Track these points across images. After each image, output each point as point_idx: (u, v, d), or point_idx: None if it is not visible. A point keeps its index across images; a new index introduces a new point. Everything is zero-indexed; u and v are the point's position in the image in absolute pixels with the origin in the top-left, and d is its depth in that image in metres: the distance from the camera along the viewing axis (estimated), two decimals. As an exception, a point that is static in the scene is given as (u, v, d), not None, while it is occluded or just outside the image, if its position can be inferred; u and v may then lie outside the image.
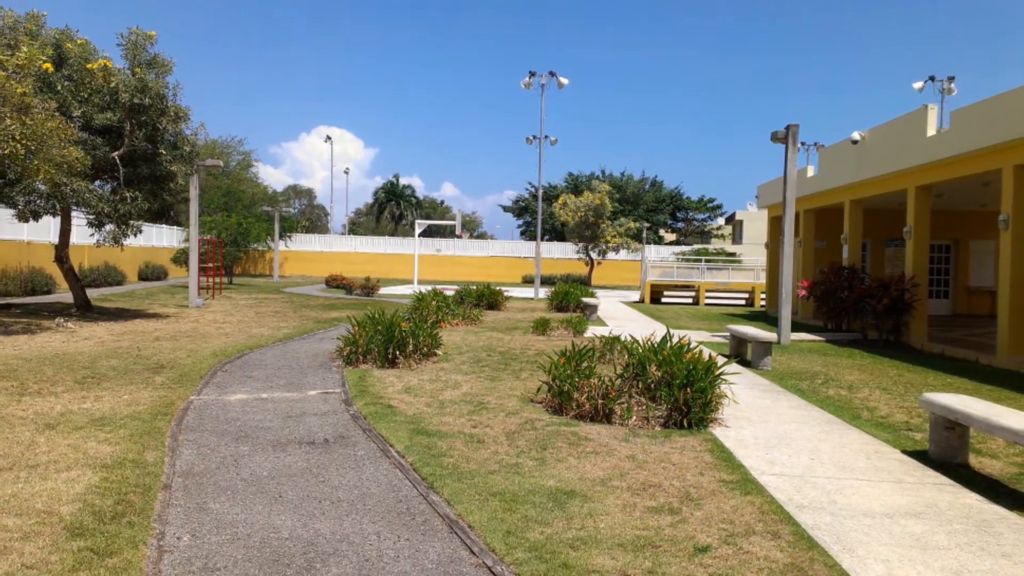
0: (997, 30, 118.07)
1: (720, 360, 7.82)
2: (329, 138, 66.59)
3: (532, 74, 27.00)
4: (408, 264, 42.04)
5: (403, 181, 69.68)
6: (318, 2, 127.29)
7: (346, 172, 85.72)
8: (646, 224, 42.38)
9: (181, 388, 8.02)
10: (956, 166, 13.68)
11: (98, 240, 16.29)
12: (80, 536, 3.87)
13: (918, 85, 27.02)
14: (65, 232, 16.36)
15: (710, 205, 60.10)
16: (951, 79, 26.83)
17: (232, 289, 28.67)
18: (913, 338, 14.91)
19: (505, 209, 64.43)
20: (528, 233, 58.93)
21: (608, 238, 36.41)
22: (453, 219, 39.97)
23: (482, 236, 68.08)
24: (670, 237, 60.00)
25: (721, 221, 59.85)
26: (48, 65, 12.40)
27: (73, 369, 8.94)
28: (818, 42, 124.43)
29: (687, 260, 33.93)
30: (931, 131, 14.35)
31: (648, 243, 44.73)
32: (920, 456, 6.07)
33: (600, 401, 6.93)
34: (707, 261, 32.21)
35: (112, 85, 14.09)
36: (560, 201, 37.42)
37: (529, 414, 7.09)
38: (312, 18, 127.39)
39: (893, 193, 16.42)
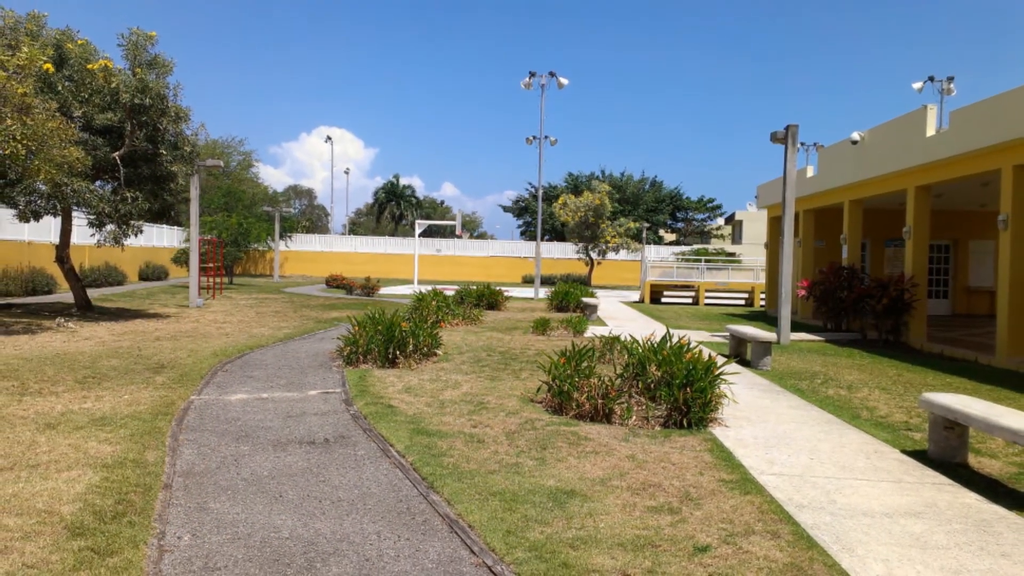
0: (996, 30, 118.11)
1: (720, 360, 7.83)
2: (329, 138, 66.66)
3: (532, 74, 27.02)
4: (408, 264, 42.05)
5: (403, 181, 69.77)
6: (318, 2, 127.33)
7: (346, 172, 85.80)
8: (646, 224, 42.40)
9: (182, 388, 8.03)
10: (955, 166, 13.69)
11: (99, 240, 16.31)
12: (81, 536, 3.88)
13: (917, 85, 27.04)
14: (66, 232, 16.37)
15: (710, 205, 60.12)
16: (950, 79, 26.84)
17: (232, 289, 28.68)
18: (912, 338, 14.92)
19: (505, 209, 64.51)
20: (528, 233, 58.94)
21: (608, 238, 36.42)
22: (453, 219, 39.98)
23: (482, 236, 68.09)
24: (670, 237, 60.02)
25: (721, 221, 59.85)
26: (49, 65, 12.41)
27: (74, 369, 8.95)
28: (818, 42, 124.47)
29: (687, 260, 33.93)
30: (930, 131, 14.36)
31: (648, 243, 44.74)
32: (919, 456, 6.08)
33: (600, 401, 6.94)
34: (707, 261, 32.22)
35: (113, 85, 14.10)
36: (560, 201, 37.43)
37: (529, 414, 7.10)
38: (312, 18, 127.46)
39: (892, 193, 16.43)
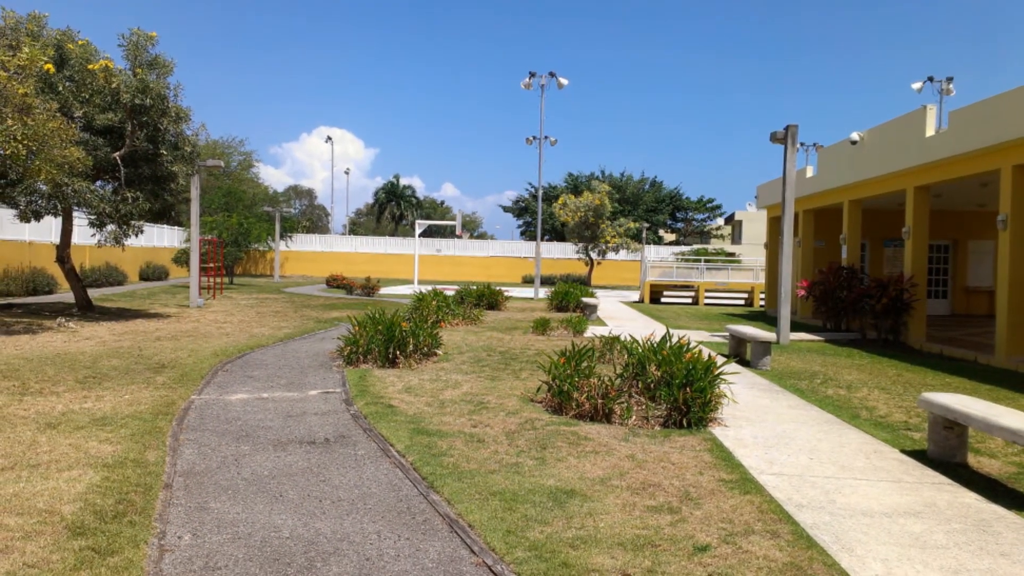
0: (995, 30, 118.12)
1: (719, 360, 7.83)
2: (330, 138, 66.71)
3: (532, 75, 27.02)
4: (408, 264, 42.06)
5: (403, 181, 69.73)
6: (318, 2, 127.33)
7: (347, 172, 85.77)
8: (646, 224, 42.41)
9: (182, 388, 8.04)
10: (955, 166, 13.70)
11: (99, 240, 16.33)
12: (81, 535, 3.88)
13: (917, 86, 27.04)
14: (66, 232, 16.38)
15: (709, 205, 60.12)
16: (949, 80, 26.85)
17: (233, 289, 28.68)
18: (912, 338, 14.93)
19: (505, 209, 64.45)
20: (528, 233, 58.94)
21: (608, 238, 36.42)
22: (453, 219, 39.99)
23: (482, 236, 68.11)
24: (670, 237, 60.02)
25: (720, 221, 59.86)
26: (50, 66, 12.41)
27: (74, 369, 8.96)
28: (817, 43, 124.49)
29: (686, 260, 33.94)
30: (930, 131, 14.37)
31: (648, 243, 44.74)
32: (919, 456, 6.08)
33: (600, 401, 6.94)
34: (706, 261, 32.22)
35: (113, 86, 14.10)
36: (560, 201, 37.43)
37: (529, 414, 7.11)
38: (312, 18, 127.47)
39: (892, 193, 16.44)
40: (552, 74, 27.07)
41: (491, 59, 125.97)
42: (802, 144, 34.07)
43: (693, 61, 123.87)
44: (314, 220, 69.44)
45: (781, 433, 6.75)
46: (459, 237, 46.06)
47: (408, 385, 8.50)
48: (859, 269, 17.63)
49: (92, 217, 15.49)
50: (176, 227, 36.91)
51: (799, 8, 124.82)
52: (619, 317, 20.19)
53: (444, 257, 47.48)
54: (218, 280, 25.59)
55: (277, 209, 41.89)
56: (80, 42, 14.64)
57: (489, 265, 46.95)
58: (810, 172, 21.02)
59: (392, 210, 68.97)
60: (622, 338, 9.97)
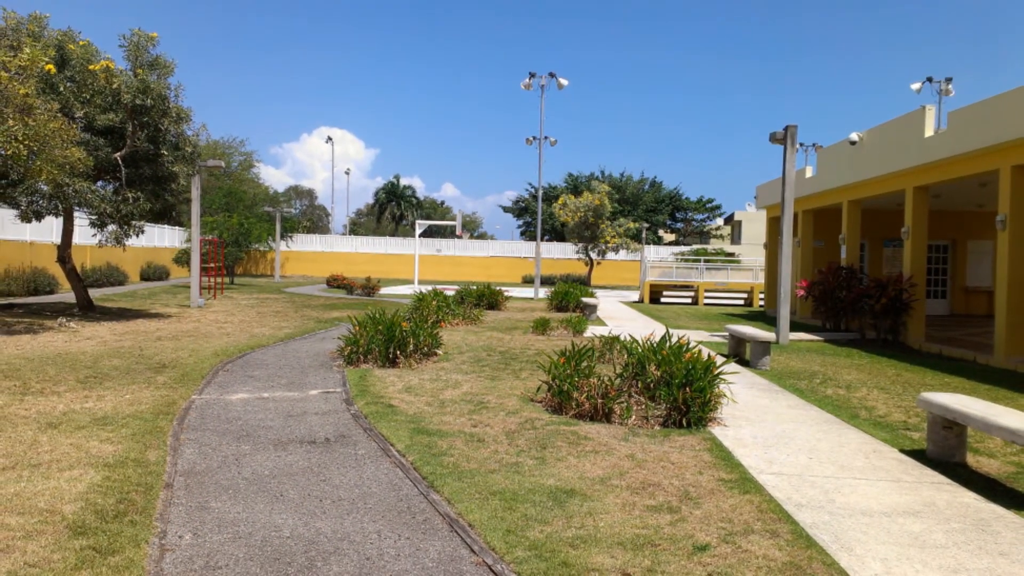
0: (996, 31, 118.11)
1: (719, 360, 7.84)
2: (330, 139, 66.69)
3: (532, 75, 27.04)
4: (409, 264, 42.08)
5: (404, 182, 69.72)
6: (319, 4, 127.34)
7: (347, 173, 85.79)
8: (645, 224, 42.39)
9: (183, 387, 8.05)
10: (954, 167, 13.71)
11: (100, 240, 16.34)
12: (82, 535, 3.89)
13: (916, 86, 27.05)
14: (67, 232, 16.40)
15: (709, 205, 60.10)
16: (948, 80, 26.85)
17: (233, 289, 28.69)
18: (911, 338, 14.94)
19: (505, 209, 64.42)
20: (528, 233, 58.93)
21: (607, 238, 36.42)
22: (453, 219, 39.99)
23: (482, 236, 68.13)
24: (669, 237, 60.01)
25: (720, 221, 59.85)
26: (51, 66, 12.42)
27: (75, 369, 8.97)
28: (817, 43, 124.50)
29: (686, 260, 33.95)
30: (929, 132, 14.38)
31: (647, 243, 44.75)
32: (918, 455, 6.09)
33: (600, 400, 6.95)
34: (706, 261, 32.23)
35: (114, 86, 14.12)
36: (560, 202, 37.43)
37: (529, 413, 7.12)
38: (312, 19, 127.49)
39: (891, 194, 16.45)
40: (552, 75, 27.08)
41: (491, 60, 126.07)
42: (801, 144, 34.10)
43: (694, 62, 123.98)
44: (314, 220, 69.49)
45: (780, 433, 6.76)
46: (459, 237, 46.06)
47: (408, 385, 8.51)
48: (858, 269, 17.64)
49: (93, 217, 15.51)
50: (177, 227, 36.93)
51: (800, 9, 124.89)
52: (619, 317, 20.20)
53: (444, 257, 47.49)
54: (219, 280, 25.60)
55: (278, 209, 41.91)
56: (81, 43, 14.65)
57: (489, 265, 46.96)
58: (809, 172, 21.03)
59: (392, 210, 68.98)
60: (622, 338, 9.98)
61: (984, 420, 5.38)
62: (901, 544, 4.16)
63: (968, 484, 5.36)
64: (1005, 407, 5.90)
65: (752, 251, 41.11)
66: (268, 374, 9.23)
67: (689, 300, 28.65)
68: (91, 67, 14.09)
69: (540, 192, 29.65)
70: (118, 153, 14.70)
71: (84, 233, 20.07)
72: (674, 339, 8.37)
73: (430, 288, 19.20)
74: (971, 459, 6.03)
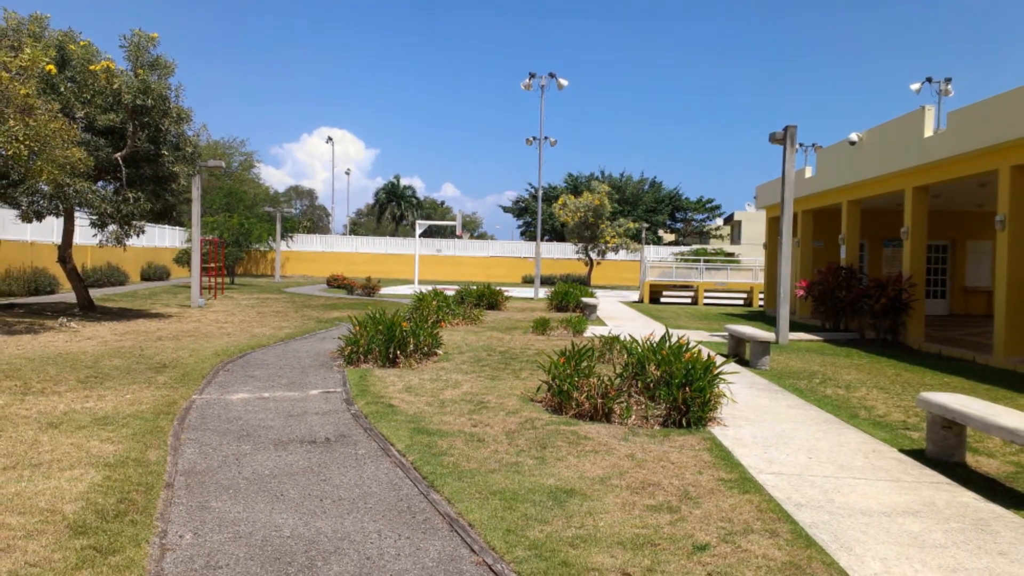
0: (996, 32, 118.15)
1: (719, 359, 7.85)
2: (330, 139, 66.74)
3: (532, 75, 27.04)
4: (409, 264, 42.09)
5: (404, 182, 69.73)
6: (319, 4, 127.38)
7: (347, 173, 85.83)
8: (645, 224, 42.38)
9: (183, 387, 8.06)
10: (953, 167, 13.71)
11: (101, 240, 16.36)
12: (83, 534, 3.90)
13: (915, 86, 27.06)
14: (68, 232, 16.41)
15: (709, 206, 60.12)
16: (948, 81, 26.87)
17: (234, 289, 28.70)
18: (910, 338, 14.95)
19: (505, 210, 64.42)
20: (528, 234, 58.94)
21: (607, 238, 36.43)
22: (453, 220, 40.01)
23: (482, 236, 68.14)
24: (669, 237, 60.01)
25: (720, 222, 59.86)
26: (51, 67, 12.43)
27: (76, 368, 8.98)
28: (817, 44, 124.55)
29: (686, 260, 33.96)
30: (928, 132, 14.39)
31: (647, 243, 44.75)
32: (917, 455, 6.10)
33: (599, 400, 6.96)
34: (706, 261, 32.25)
35: (115, 87, 14.13)
36: (560, 202, 37.44)
37: (529, 413, 7.13)
38: (313, 19, 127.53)
39: (890, 194, 16.45)
40: (552, 75, 27.09)
41: (492, 60, 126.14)
42: (801, 145, 34.11)
43: (694, 62, 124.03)
44: (315, 220, 69.50)
45: (780, 432, 6.77)
46: (459, 237, 46.08)
47: (408, 385, 8.52)
48: (858, 269, 17.65)
49: (94, 217, 15.52)
50: (177, 227, 36.94)
51: (800, 9, 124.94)
52: (619, 317, 20.21)
53: (444, 257, 47.50)
54: (219, 280, 25.61)
55: (278, 209, 41.94)
56: (82, 43, 14.67)
57: (489, 265, 46.97)
58: (809, 172, 21.04)
59: (392, 210, 68.99)
60: (622, 338, 9.99)
61: (983, 420, 5.39)
62: (900, 544, 4.17)
63: (967, 484, 5.36)
64: (1004, 407, 5.91)
65: (752, 251, 41.12)
66: (268, 374, 9.24)
67: (689, 300, 28.67)
68: (92, 67, 14.10)
69: (540, 192, 29.66)
70: (119, 153, 14.71)
71: (85, 233, 20.08)
72: (674, 339, 8.37)
73: (430, 288, 19.21)
74: (970, 459, 6.03)
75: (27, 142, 11.04)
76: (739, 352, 12.06)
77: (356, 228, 72.01)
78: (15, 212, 15.26)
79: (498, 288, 22.16)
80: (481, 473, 5.20)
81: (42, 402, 7.04)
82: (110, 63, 14.27)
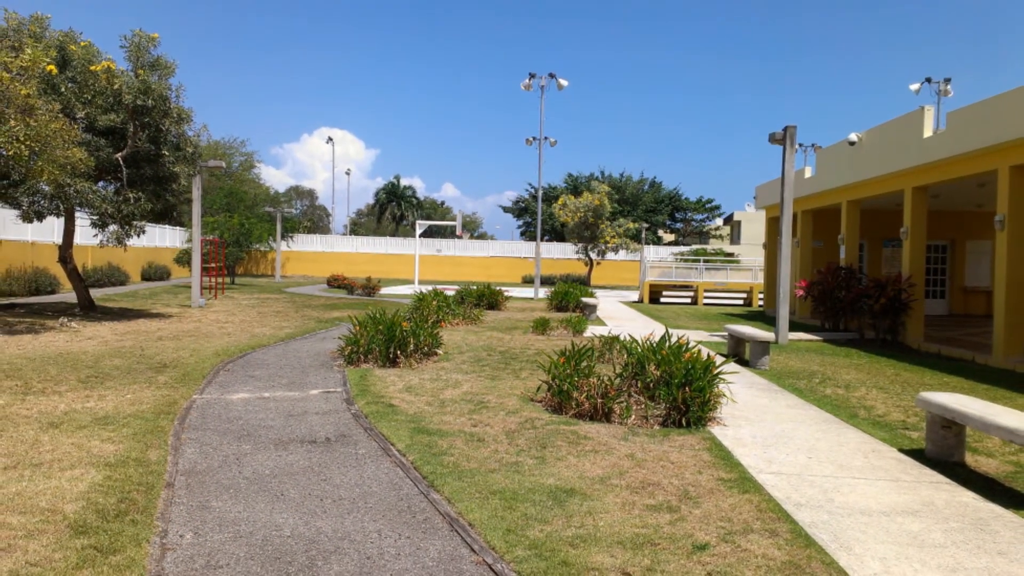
0: (996, 32, 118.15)
1: (718, 359, 7.86)
2: (330, 139, 66.80)
3: (532, 76, 27.04)
4: (409, 264, 42.10)
5: (404, 182, 69.74)
6: (319, 4, 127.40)
7: (347, 173, 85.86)
8: (645, 225, 42.39)
9: (184, 387, 8.07)
10: (952, 167, 13.72)
11: (101, 240, 16.36)
12: (84, 534, 3.90)
13: (915, 87, 27.05)
14: (69, 233, 16.42)
15: (708, 206, 60.13)
16: (947, 81, 26.86)
17: (234, 289, 28.71)
18: (910, 338, 14.96)
19: (505, 210, 64.42)
20: (528, 234, 58.95)
21: (607, 238, 36.43)
22: (454, 220, 40.01)
23: (482, 237, 68.14)
24: (669, 237, 60.02)
25: (719, 222, 59.88)
26: (52, 67, 12.45)
27: (77, 368, 8.99)
28: (816, 44, 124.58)
29: (686, 260, 33.96)
30: (927, 132, 14.39)
31: (647, 243, 44.76)
32: (917, 455, 6.11)
33: (599, 400, 6.97)
34: (705, 261, 32.26)
35: (115, 87, 14.14)
36: (560, 202, 37.45)
37: (529, 413, 7.13)
38: (313, 19, 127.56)
39: (890, 194, 16.46)
40: (552, 75, 27.09)
41: (492, 60, 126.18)
42: (801, 145, 34.11)
43: (694, 62, 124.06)
44: (315, 220, 69.52)
45: (780, 432, 6.78)
46: (459, 237, 46.08)
47: (409, 384, 8.52)
48: (857, 269, 17.66)
49: (94, 217, 15.53)
50: (178, 227, 36.95)
51: (800, 9, 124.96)
52: (618, 317, 20.22)
53: (444, 257, 47.51)
54: (220, 280, 25.62)
55: (278, 209, 41.97)
56: (82, 43, 14.68)
57: (489, 265, 46.98)
58: (808, 173, 21.05)
59: (393, 210, 69.00)
60: (621, 338, 9.99)
61: (983, 420, 5.40)
62: (900, 543, 4.17)
63: (967, 483, 5.37)
64: (1003, 407, 5.92)
65: (751, 251, 41.15)
66: (269, 374, 9.24)
67: (688, 300, 28.67)
68: (92, 68, 14.11)
69: (540, 192, 29.66)
70: (119, 153, 14.72)
71: (85, 233, 20.09)
72: (673, 339, 8.38)
73: (430, 288, 19.22)
74: (970, 458, 6.04)
75: (28, 142, 11.05)
76: (739, 352, 12.07)
77: (356, 228, 72.04)
78: (16, 212, 15.27)
79: (498, 288, 22.17)
80: (481, 473, 5.21)
81: (43, 402, 7.05)
82: (111, 63, 14.28)
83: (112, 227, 15.86)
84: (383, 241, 50.09)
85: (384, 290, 29.62)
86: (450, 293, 19.64)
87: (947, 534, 4.34)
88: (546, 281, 37.95)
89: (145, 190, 15.33)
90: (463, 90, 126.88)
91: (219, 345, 11.61)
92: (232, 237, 32.94)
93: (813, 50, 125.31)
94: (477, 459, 5.55)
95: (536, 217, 32.84)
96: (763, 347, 10.97)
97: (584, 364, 7.65)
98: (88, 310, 16.31)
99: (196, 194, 19.14)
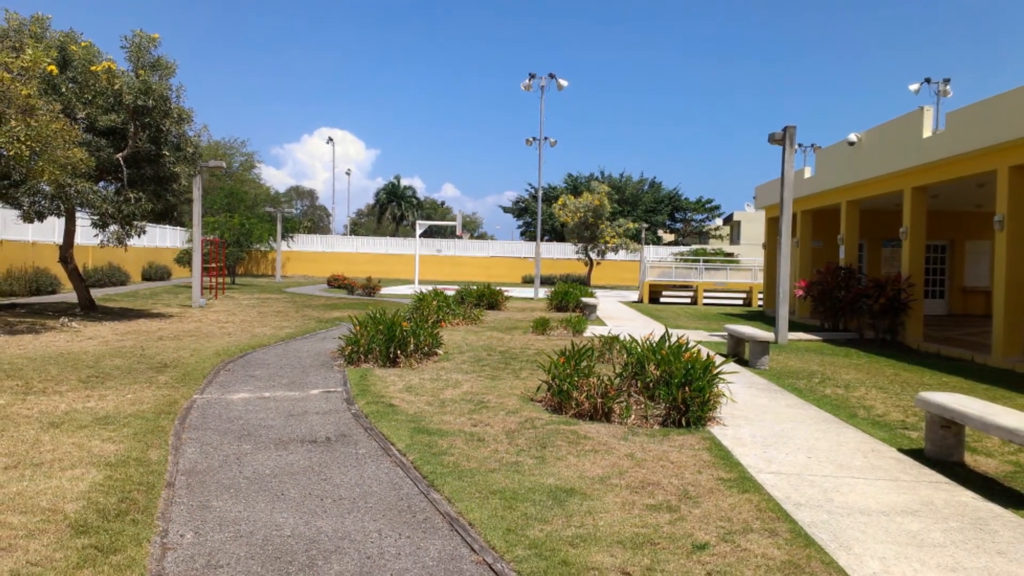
0: (996, 32, 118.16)
1: (718, 359, 7.86)
2: (331, 139, 66.87)
3: (532, 76, 27.05)
4: (409, 264, 42.11)
5: (404, 182, 69.76)
6: (319, 4, 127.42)
7: (348, 173, 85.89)
8: (645, 225, 42.40)
9: (184, 387, 8.08)
10: (952, 167, 13.73)
11: (102, 241, 16.37)
12: (84, 533, 3.91)
13: (914, 87, 27.06)
14: (69, 233, 16.43)
15: (708, 206, 60.14)
16: (946, 81, 26.87)
17: (235, 289, 28.71)
18: (909, 338, 14.96)
19: (505, 210, 64.42)
20: (528, 234, 58.95)
21: (607, 239, 36.44)
22: (454, 220, 40.02)
23: (482, 237, 68.14)
24: (668, 238, 60.03)
25: (719, 222, 59.88)
26: (53, 67, 12.45)
27: (77, 368, 9.00)
28: (816, 44, 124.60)
29: (685, 260, 33.95)
30: (927, 132, 14.40)
31: (647, 243, 44.76)
32: (916, 454, 6.12)
33: (599, 400, 6.98)
34: (705, 261, 32.25)
35: (116, 87, 14.15)
36: (560, 202, 37.45)
37: (529, 413, 7.14)
38: (313, 20, 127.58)
39: (889, 194, 16.47)
40: (552, 75, 27.09)
41: (492, 60, 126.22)
42: (800, 145, 34.12)
43: (693, 63, 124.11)
44: (315, 221, 69.53)
45: (779, 432, 6.78)
46: (459, 237, 46.09)
47: (409, 384, 8.53)
48: (857, 269, 17.66)
49: (95, 218, 15.54)
50: (178, 227, 36.96)
51: (800, 9, 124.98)
52: (618, 317, 20.22)
53: (444, 257, 47.52)
54: (220, 280, 25.63)
55: (279, 210, 42.00)
56: (83, 44, 14.69)
57: (489, 265, 46.99)
58: (808, 173, 21.05)
59: (393, 211, 69.01)
60: (621, 338, 10.00)
61: (982, 419, 5.41)
62: (899, 543, 4.18)
63: (966, 483, 5.38)
64: (1003, 406, 5.92)
65: (751, 251, 41.15)
66: (269, 374, 9.25)
67: (688, 300, 28.68)
68: (93, 68, 14.12)
69: (540, 192, 29.67)
70: (120, 154, 14.72)
71: (86, 233, 20.09)
72: (673, 339, 8.38)
73: (430, 288, 19.22)
74: (969, 458, 6.05)
75: (29, 142, 11.06)
76: (738, 352, 12.07)
77: (356, 228, 72.05)
78: (17, 212, 15.28)
79: (498, 288, 22.18)
80: (481, 472, 5.22)
81: (44, 402, 7.05)
82: (111, 64, 14.28)
83: (113, 227, 15.87)
84: (383, 241, 50.11)
85: (384, 290, 29.62)
86: (450, 293, 19.64)
87: (946, 534, 4.35)
88: (546, 281, 37.96)
89: (146, 190, 15.34)
90: (463, 90, 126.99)
91: (220, 345, 11.61)
92: (232, 237, 32.95)
93: (813, 50, 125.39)
94: (477, 459, 5.56)
95: (536, 217, 32.85)
96: (763, 347, 10.98)
97: (584, 364, 7.66)
98: (89, 310, 16.32)
99: (196, 194, 19.15)
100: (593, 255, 37.77)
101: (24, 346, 10.80)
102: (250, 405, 7.39)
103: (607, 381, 7.26)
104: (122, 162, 14.69)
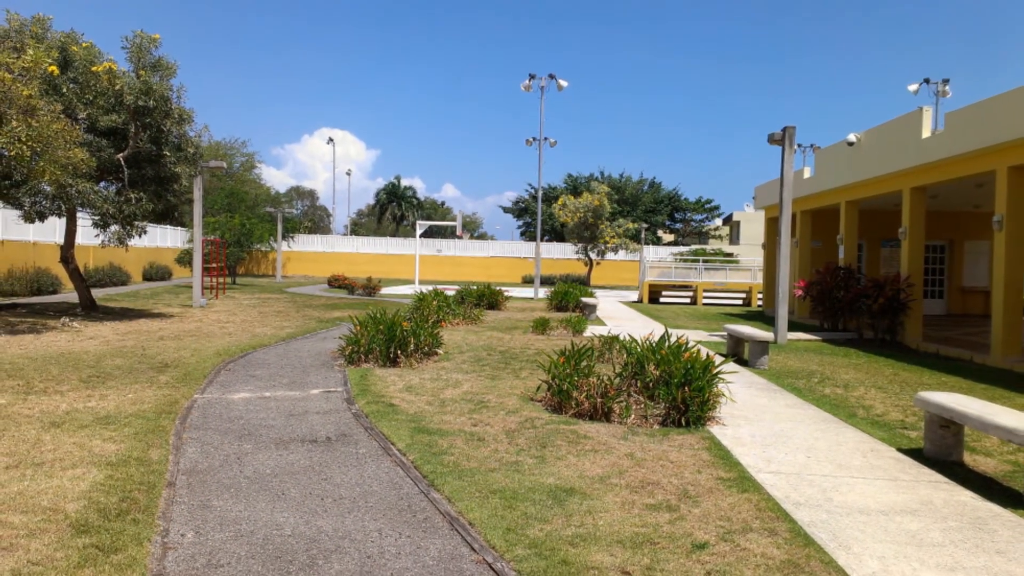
0: (996, 32, 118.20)
1: (718, 359, 7.87)
2: (331, 140, 66.91)
3: (532, 76, 27.06)
4: (409, 264, 42.12)
5: (404, 182, 69.77)
6: (320, 5, 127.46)
7: (348, 173, 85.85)
8: (644, 225, 42.39)
9: (185, 387, 8.09)
10: (951, 168, 13.74)
11: (103, 241, 16.38)
12: (85, 533, 3.92)
13: (913, 88, 27.07)
14: (70, 233, 16.44)
15: (708, 206, 60.14)
16: (946, 82, 26.89)
17: (235, 289, 28.73)
18: (908, 337, 14.97)
19: (505, 210, 64.43)
20: (528, 234, 58.94)
21: (607, 239, 36.45)
22: (454, 220, 40.03)
23: (482, 237, 68.15)
24: (668, 238, 60.03)
25: (719, 222, 59.88)
26: (54, 68, 12.47)
27: (78, 368, 9.01)
28: (816, 45, 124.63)
29: (685, 260, 33.96)
30: (926, 133, 14.41)
31: (646, 244, 44.78)
32: (915, 454, 6.13)
33: (599, 400, 6.99)
34: (705, 261, 32.26)
35: (117, 87, 14.16)
36: (559, 202, 37.46)
37: (529, 412, 7.15)
38: (313, 20, 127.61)
39: (888, 194, 16.48)
40: (552, 76, 27.11)
41: (492, 61, 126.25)
42: (800, 145, 34.15)
43: (693, 64, 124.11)
44: (316, 221, 69.55)
45: (779, 432, 6.79)
46: (459, 238, 46.11)
47: (409, 384, 8.54)
48: (856, 269, 17.67)
49: (96, 218, 15.56)
50: (179, 228, 36.96)
51: (800, 9, 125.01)
52: (618, 317, 20.23)
53: (445, 257, 47.53)
54: (221, 280, 25.64)
55: (279, 210, 42.03)
56: (84, 44, 14.70)
57: (489, 265, 47.00)
58: (807, 173, 21.06)
59: (393, 211, 69.03)
60: (621, 338, 10.01)
61: (981, 419, 5.42)
62: (898, 542, 4.19)
63: (965, 483, 5.39)
64: (1002, 406, 5.93)
65: (750, 251, 41.15)
66: (270, 373, 9.26)
67: (688, 300, 28.69)
68: (94, 68, 14.14)
69: (540, 193, 29.69)
70: (121, 154, 14.74)
71: (87, 233, 20.11)
72: (673, 339, 8.39)
73: (431, 288, 19.23)
74: (968, 458, 6.06)
75: (30, 143, 11.07)
76: (738, 352, 12.09)
77: (357, 228, 72.06)
78: (18, 212, 15.29)
79: (498, 288, 22.19)
80: (481, 472, 5.23)
81: (44, 401, 7.07)
82: (112, 64, 14.30)
83: (114, 227, 15.89)
84: (384, 241, 50.12)
85: (384, 290, 29.64)
86: (450, 293, 19.65)
87: (945, 533, 4.36)
88: (546, 281, 37.97)
89: (146, 190, 15.35)
90: (463, 91, 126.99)
91: (220, 345, 11.63)
92: (233, 237, 32.97)
93: (813, 51, 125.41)
94: (477, 458, 5.57)
95: (536, 217, 32.86)
96: (762, 347, 10.99)
97: (584, 364, 7.67)
98: (90, 310, 16.34)
99: (197, 194, 19.17)
100: (593, 255, 37.78)
101: (25, 346, 10.82)
102: (251, 405, 7.40)
103: (607, 381, 7.27)
104: (123, 162, 14.70)
